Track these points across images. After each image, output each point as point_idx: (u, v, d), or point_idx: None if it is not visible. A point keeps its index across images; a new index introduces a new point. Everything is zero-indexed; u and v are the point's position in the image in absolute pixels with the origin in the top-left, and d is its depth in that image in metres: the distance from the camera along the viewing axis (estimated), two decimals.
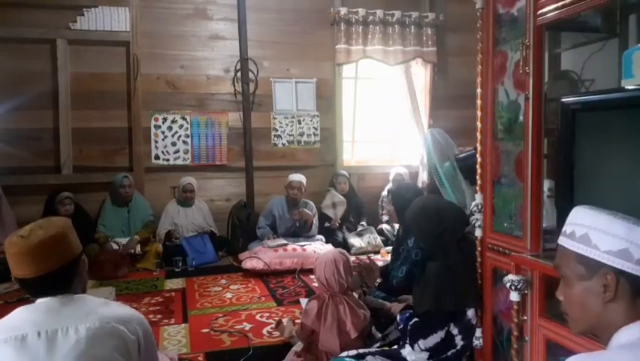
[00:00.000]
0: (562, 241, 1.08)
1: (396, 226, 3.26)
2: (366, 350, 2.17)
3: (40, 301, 1.37)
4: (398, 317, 2.29)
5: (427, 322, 2.11)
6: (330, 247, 4.49)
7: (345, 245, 4.69)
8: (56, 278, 1.38)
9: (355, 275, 2.73)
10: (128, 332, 1.36)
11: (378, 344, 2.36)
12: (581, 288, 1.04)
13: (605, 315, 1.01)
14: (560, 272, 1.09)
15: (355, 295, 2.66)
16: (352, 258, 4.35)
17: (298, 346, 2.43)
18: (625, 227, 0.98)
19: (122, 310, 1.44)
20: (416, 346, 2.09)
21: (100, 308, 1.38)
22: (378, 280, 2.96)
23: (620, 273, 0.98)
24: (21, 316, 1.34)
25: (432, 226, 2.19)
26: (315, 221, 4.78)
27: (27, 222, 1.47)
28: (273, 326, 2.91)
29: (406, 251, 2.82)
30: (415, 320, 2.14)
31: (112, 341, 1.32)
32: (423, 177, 5.42)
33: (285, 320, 2.88)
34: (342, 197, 5.01)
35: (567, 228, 1.08)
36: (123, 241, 4.39)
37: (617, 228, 0.99)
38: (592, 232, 1.02)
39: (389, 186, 5.21)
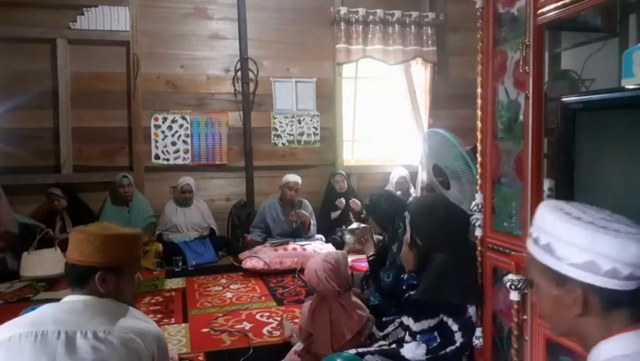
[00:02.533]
0: (529, 246, 1.00)
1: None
2: (365, 350, 2.17)
3: (66, 299, 1.40)
4: (405, 277, 2.32)
5: (420, 305, 2.12)
6: (330, 246, 4.50)
7: (342, 242, 4.71)
8: (75, 273, 1.42)
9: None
10: (144, 347, 1.36)
11: (378, 344, 2.36)
12: (551, 298, 0.97)
13: (578, 327, 0.95)
14: (530, 277, 1.03)
15: (355, 295, 2.66)
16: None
17: (298, 346, 2.43)
18: (587, 236, 0.89)
19: (142, 322, 1.43)
20: (411, 322, 2.14)
21: (121, 317, 1.39)
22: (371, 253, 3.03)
23: (588, 287, 0.91)
24: (45, 312, 1.36)
25: (436, 227, 2.19)
26: (313, 221, 4.78)
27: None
28: (274, 325, 2.91)
29: (391, 257, 2.84)
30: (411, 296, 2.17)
31: (127, 352, 1.32)
32: (423, 177, 5.42)
33: (285, 320, 2.88)
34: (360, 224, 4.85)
35: (533, 231, 1.00)
36: None
37: (579, 237, 0.90)
38: (555, 241, 0.93)
39: (388, 186, 5.22)
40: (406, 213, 2.27)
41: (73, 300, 1.40)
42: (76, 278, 1.42)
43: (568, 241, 0.91)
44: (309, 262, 2.56)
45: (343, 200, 4.92)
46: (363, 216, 4.82)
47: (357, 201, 4.86)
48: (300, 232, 4.66)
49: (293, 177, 4.70)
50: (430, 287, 2.09)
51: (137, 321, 1.43)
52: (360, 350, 2.18)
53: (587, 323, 0.93)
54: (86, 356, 1.28)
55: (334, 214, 4.98)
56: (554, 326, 1.02)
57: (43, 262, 3.93)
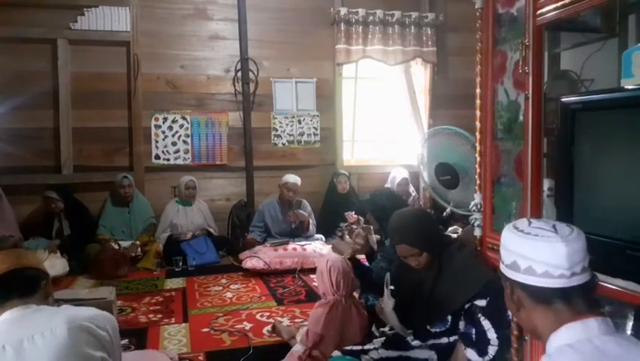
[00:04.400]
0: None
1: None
2: (370, 347, 2.18)
3: (2, 318, 1.37)
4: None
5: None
6: (330, 246, 4.50)
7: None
8: (26, 277, 1.43)
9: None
10: (97, 328, 1.36)
11: (382, 340, 2.35)
12: (506, 295, 1.12)
13: (530, 324, 1.08)
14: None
15: (355, 295, 2.67)
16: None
17: (297, 348, 2.43)
18: (514, 241, 1.07)
19: (87, 310, 1.44)
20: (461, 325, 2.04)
21: (64, 311, 1.38)
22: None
23: (514, 283, 1.07)
24: None
25: (427, 228, 2.18)
26: (313, 220, 4.78)
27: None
28: (269, 329, 2.90)
29: (384, 251, 2.82)
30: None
31: (82, 338, 1.31)
32: (425, 178, 5.42)
33: (277, 325, 2.86)
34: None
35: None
36: (124, 243, 4.40)
37: (510, 242, 1.08)
38: (502, 248, 1.12)
39: (387, 185, 5.22)
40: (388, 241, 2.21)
41: (8, 316, 1.37)
42: (28, 283, 1.43)
43: (504, 245, 1.11)
44: (317, 269, 2.57)
45: (354, 213, 4.86)
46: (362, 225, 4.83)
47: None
48: (298, 232, 4.66)
49: (292, 178, 4.69)
50: (477, 279, 2.00)
51: (81, 310, 1.43)
52: (366, 347, 2.18)
53: (535, 319, 1.06)
54: (39, 359, 1.25)
55: (344, 225, 4.94)
56: (522, 325, 1.15)
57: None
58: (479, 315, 1.92)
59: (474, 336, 1.93)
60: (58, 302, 1.59)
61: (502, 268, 1.11)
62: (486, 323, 1.90)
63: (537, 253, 1.02)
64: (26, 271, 1.45)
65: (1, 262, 1.44)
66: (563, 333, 1.00)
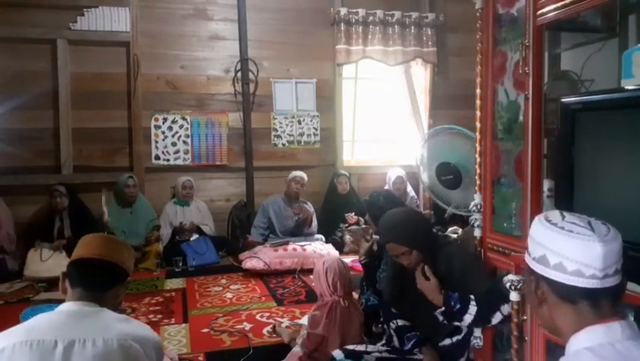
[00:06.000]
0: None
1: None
2: (374, 348, 2.18)
3: (62, 308, 1.37)
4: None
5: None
6: (330, 247, 4.51)
7: (342, 242, 4.73)
8: (106, 271, 1.42)
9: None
10: (144, 354, 1.34)
11: (383, 341, 2.36)
12: (528, 293, 1.09)
13: (552, 322, 1.05)
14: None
15: (355, 295, 2.67)
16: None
17: (297, 349, 2.43)
18: (543, 234, 1.01)
19: (141, 329, 1.41)
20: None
21: (120, 324, 1.36)
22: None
23: (541, 278, 1.02)
24: (42, 321, 1.33)
25: (419, 227, 2.17)
26: (315, 219, 4.78)
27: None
28: (269, 330, 2.91)
29: (386, 257, 2.82)
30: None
31: (126, 358, 1.30)
32: (424, 178, 5.41)
33: (278, 328, 2.86)
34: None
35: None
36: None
37: (540, 235, 1.02)
38: (529, 240, 1.07)
39: (387, 187, 5.22)
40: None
41: (69, 307, 1.36)
42: (105, 279, 1.42)
43: (532, 237, 1.05)
44: (314, 271, 2.57)
45: (354, 215, 4.88)
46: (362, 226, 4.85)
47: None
48: (301, 228, 4.67)
49: (300, 173, 4.78)
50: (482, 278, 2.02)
51: (137, 327, 1.41)
52: (369, 348, 2.19)
53: (557, 317, 1.02)
54: None
55: (343, 226, 4.95)
56: (540, 321, 1.11)
57: (46, 263, 3.94)
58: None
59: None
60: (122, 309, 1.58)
61: (529, 261, 1.05)
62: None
63: (570, 250, 0.97)
64: (112, 266, 1.43)
65: (95, 245, 1.44)
66: (583, 336, 0.96)
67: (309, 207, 4.81)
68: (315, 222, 4.78)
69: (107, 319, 1.36)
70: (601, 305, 0.97)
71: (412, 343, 2.12)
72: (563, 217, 1.01)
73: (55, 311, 1.36)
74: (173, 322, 3.09)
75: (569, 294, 0.98)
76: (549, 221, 1.01)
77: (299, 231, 4.68)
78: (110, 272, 1.44)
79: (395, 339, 2.21)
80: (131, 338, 1.32)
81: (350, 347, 2.20)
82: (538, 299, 1.04)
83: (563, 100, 1.81)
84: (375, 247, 2.92)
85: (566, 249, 0.97)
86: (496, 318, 1.94)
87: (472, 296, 1.93)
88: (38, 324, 1.31)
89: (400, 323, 2.21)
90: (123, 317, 1.41)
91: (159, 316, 3.19)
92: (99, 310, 1.37)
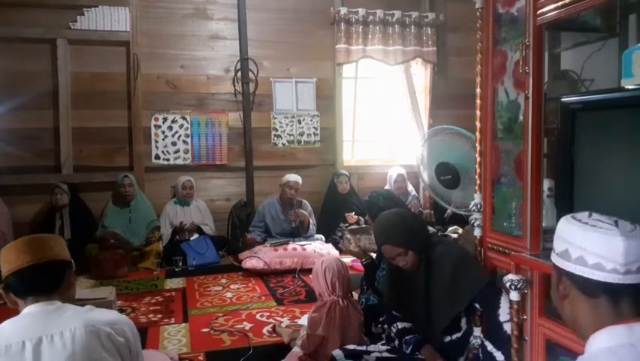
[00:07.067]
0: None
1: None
2: (374, 348, 2.18)
3: (24, 312, 1.36)
4: None
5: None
6: (330, 246, 4.51)
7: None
8: (50, 271, 1.38)
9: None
10: (116, 335, 1.34)
11: (383, 341, 2.36)
12: (553, 284, 1.09)
13: (573, 319, 1.04)
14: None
15: (355, 295, 2.67)
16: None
17: (297, 348, 2.43)
18: (570, 229, 1.02)
19: (108, 314, 1.42)
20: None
21: (85, 314, 1.36)
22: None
23: (562, 272, 1.03)
24: (6, 326, 1.32)
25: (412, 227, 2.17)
26: (313, 220, 4.77)
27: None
28: (269, 329, 2.91)
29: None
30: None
31: (99, 342, 1.30)
32: (424, 178, 5.41)
33: (278, 328, 2.86)
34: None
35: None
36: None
37: (564, 230, 1.03)
38: (555, 237, 1.07)
39: (387, 186, 5.21)
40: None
41: (31, 310, 1.34)
42: (51, 279, 1.38)
43: (557, 234, 1.06)
44: (313, 271, 2.57)
45: (354, 214, 4.88)
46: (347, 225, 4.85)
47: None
48: (299, 232, 4.66)
49: (293, 177, 4.71)
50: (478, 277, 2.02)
51: (103, 312, 1.41)
52: (370, 347, 2.18)
53: (578, 313, 1.01)
54: (56, 359, 1.25)
55: (343, 226, 4.95)
56: (562, 317, 1.09)
57: None
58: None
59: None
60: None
61: (553, 257, 1.06)
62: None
63: (591, 243, 0.97)
64: (50, 265, 1.39)
65: (24, 253, 1.36)
66: (604, 335, 0.94)
67: (306, 208, 4.78)
68: (312, 226, 4.74)
69: (71, 311, 1.36)
70: (621, 304, 0.96)
71: (410, 347, 2.12)
72: (590, 215, 1.02)
73: (19, 316, 1.36)
74: (173, 321, 3.09)
75: (589, 288, 0.98)
76: (575, 218, 1.02)
77: (296, 233, 4.66)
78: (51, 271, 1.39)
79: (397, 342, 2.21)
80: (98, 323, 1.33)
81: (350, 347, 2.20)
82: (560, 294, 1.04)
83: (563, 100, 1.81)
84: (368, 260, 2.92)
85: (586, 242, 0.97)
86: (504, 314, 1.93)
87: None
88: (3, 330, 1.30)
89: (401, 325, 2.21)
90: (87, 307, 1.40)
91: (159, 315, 3.19)
92: (61, 305, 1.37)
